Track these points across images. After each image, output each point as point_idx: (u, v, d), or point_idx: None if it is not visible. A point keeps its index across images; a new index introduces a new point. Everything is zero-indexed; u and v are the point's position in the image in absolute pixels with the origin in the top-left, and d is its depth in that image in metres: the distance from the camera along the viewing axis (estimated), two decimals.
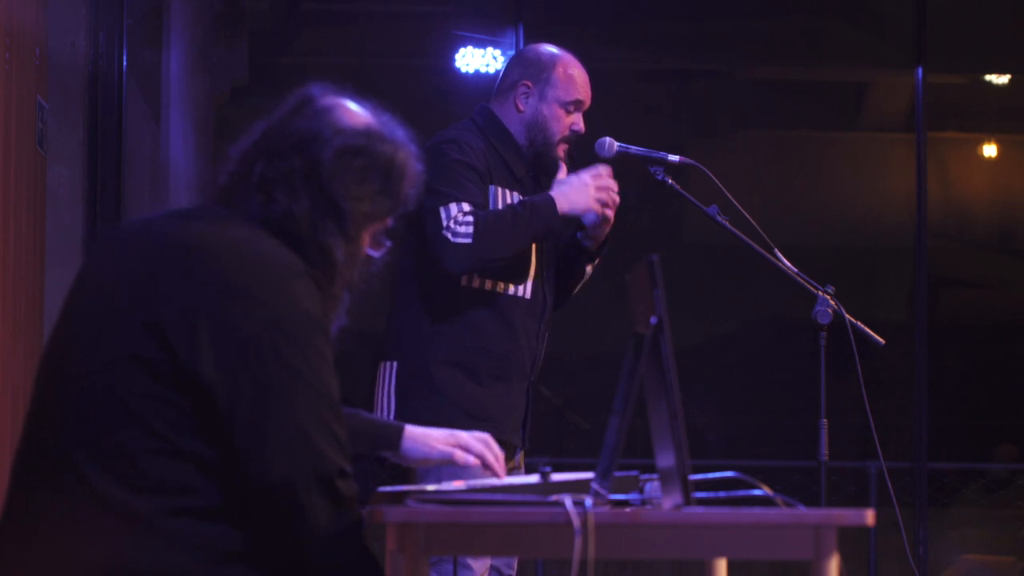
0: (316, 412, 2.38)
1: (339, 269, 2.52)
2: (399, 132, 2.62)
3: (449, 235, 3.96)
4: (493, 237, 3.98)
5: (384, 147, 2.57)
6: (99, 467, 2.33)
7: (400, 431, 2.92)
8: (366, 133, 2.56)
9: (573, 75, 4.24)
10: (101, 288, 2.46)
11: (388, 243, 2.64)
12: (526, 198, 4.13)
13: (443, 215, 3.99)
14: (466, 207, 4.00)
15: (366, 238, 2.58)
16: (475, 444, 2.93)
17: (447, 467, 4.04)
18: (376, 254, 2.62)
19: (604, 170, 4.15)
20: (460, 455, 2.92)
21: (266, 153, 2.53)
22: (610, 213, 4.17)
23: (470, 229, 3.97)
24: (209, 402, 2.34)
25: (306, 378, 2.37)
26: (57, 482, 2.36)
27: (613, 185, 4.14)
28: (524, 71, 4.26)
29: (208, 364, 2.33)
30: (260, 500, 2.36)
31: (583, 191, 4.11)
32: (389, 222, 2.62)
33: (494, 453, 2.94)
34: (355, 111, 2.58)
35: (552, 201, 4.05)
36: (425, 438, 2.94)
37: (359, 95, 2.64)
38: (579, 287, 4.38)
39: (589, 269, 4.33)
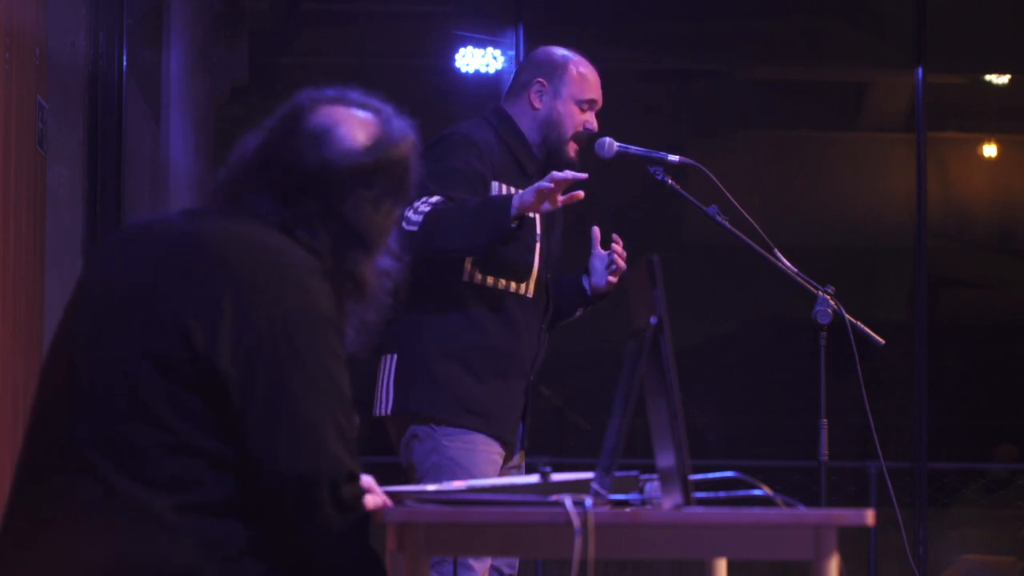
0: (330, 413, 2.37)
1: (371, 286, 2.53)
2: (397, 126, 2.58)
3: (403, 222, 3.94)
4: (438, 226, 3.92)
5: (390, 154, 2.53)
6: (111, 462, 2.33)
7: None
8: (372, 150, 2.52)
9: (586, 74, 4.27)
10: (117, 284, 2.44)
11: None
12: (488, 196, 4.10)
13: (413, 204, 3.97)
14: (434, 199, 3.98)
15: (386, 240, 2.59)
16: None
17: (446, 467, 4.06)
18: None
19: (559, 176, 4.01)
20: None
21: (270, 187, 2.48)
22: (613, 279, 4.22)
23: (420, 218, 3.94)
24: (224, 399, 2.34)
25: (321, 378, 2.37)
26: (69, 476, 2.35)
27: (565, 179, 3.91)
28: (537, 70, 4.28)
29: (226, 360, 2.33)
30: (270, 497, 2.36)
31: (532, 189, 3.99)
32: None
33: None
34: (353, 125, 2.53)
35: (509, 201, 3.92)
36: None
37: (341, 88, 2.60)
38: (564, 323, 4.41)
39: (580, 312, 4.37)
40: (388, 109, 2.60)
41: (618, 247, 4.23)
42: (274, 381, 2.34)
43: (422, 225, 3.91)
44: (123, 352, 2.36)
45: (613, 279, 4.25)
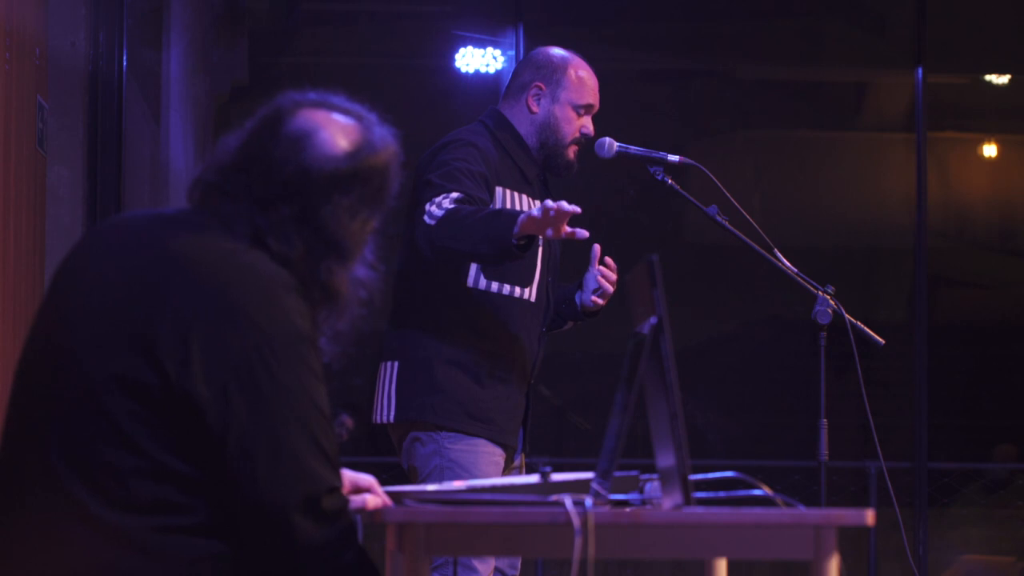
0: (308, 431, 2.35)
1: (343, 296, 2.49)
2: (379, 133, 2.52)
3: (426, 216, 3.93)
4: (453, 226, 3.86)
5: (370, 162, 2.48)
6: (84, 485, 2.30)
7: None
8: (353, 156, 2.47)
9: (584, 78, 4.25)
10: (87, 299, 2.40)
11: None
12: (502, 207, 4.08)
13: (434, 199, 3.95)
14: (456, 195, 3.96)
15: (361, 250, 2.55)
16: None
17: (448, 470, 4.06)
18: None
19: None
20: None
21: (247, 191, 2.44)
22: (600, 301, 4.20)
23: (442, 213, 3.90)
24: (199, 421, 2.31)
25: (298, 397, 2.35)
26: (41, 498, 2.32)
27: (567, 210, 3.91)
28: (536, 73, 4.26)
29: (199, 383, 2.30)
30: (250, 518, 2.34)
31: (536, 210, 3.91)
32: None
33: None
34: (334, 130, 2.49)
35: (515, 218, 3.79)
36: None
37: (323, 91, 2.55)
38: (554, 332, 4.39)
39: (569, 325, 4.36)
40: (371, 116, 2.54)
41: (607, 271, 4.20)
42: (252, 404, 2.31)
43: (440, 220, 3.89)
44: (96, 373, 2.32)
45: (600, 301, 4.24)
